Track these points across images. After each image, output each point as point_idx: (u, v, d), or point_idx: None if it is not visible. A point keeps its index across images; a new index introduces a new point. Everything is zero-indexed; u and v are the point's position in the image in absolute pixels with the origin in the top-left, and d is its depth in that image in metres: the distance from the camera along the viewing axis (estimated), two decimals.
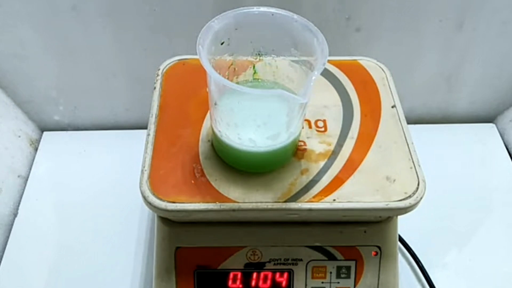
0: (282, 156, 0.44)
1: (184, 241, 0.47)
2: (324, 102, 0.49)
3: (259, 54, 0.44)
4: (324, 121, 0.48)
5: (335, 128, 0.47)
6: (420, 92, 0.74)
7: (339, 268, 0.47)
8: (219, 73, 0.38)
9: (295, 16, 0.41)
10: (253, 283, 0.47)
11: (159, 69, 0.51)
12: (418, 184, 0.43)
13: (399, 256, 0.56)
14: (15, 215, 0.64)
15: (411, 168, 0.44)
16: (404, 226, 0.52)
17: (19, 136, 0.69)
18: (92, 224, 0.63)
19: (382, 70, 0.52)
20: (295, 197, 0.42)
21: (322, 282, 0.48)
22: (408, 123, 0.48)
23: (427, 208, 0.46)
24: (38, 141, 0.73)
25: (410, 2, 0.62)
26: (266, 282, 0.47)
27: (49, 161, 0.70)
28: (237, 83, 0.45)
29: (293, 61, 0.43)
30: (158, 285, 0.47)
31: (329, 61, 0.42)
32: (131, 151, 0.56)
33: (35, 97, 0.71)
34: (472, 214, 0.65)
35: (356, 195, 0.42)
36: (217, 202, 0.42)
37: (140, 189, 0.42)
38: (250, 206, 0.42)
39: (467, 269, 0.60)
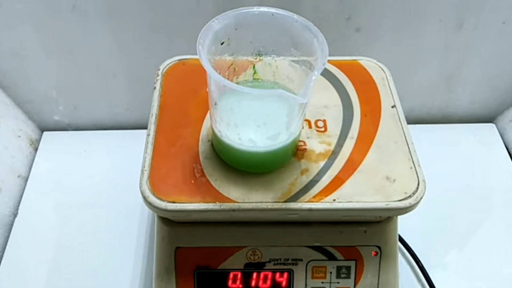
0: (282, 156, 0.44)
1: (184, 241, 0.47)
2: (324, 102, 0.49)
3: (259, 54, 0.44)
4: (324, 121, 0.48)
5: (335, 128, 0.47)
6: (420, 92, 0.74)
7: (339, 268, 0.47)
8: (219, 73, 0.38)
9: (295, 16, 0.41)
10: (253, 283, 0.47)
11: (159, 69, 0.51)
12: (418, 184, 0.43)
13: (399, 256, 0.56)
14: (15, 215, 0.64)
15: (411, 168, 0.44)
16: (404, 226, 0.52)
17: (19, 136, 0.69)
18: (92, 224, 0.63)
19: (382, 70, 0.52)
20: (295, 197, 0.42)
21: (322, 282, 0.48)
22: (408, 123, 0.48)
23: (427, 208, 0.46)
24: (38, 141, 0.73)
25: (410, 2, 0.62)
26: (266, 282, 0.47)
27: (49, 161, 0.70)
28: (237, 83, 0.45)
29: (293, 61, 0.43)
30: (158, 285, 0.47)
31: (329, 61, 0.42)
32: (131, 151, 0.56)
33: (35, 97, 0.71)
34: (472, 214, 0.65)
35: (356, 195, 0.42)
36: (217, 202, 0.42)
37: (140, 189, 0.42)
38: (250, 206, 0.42)
39: (467, 269, 0.60)
